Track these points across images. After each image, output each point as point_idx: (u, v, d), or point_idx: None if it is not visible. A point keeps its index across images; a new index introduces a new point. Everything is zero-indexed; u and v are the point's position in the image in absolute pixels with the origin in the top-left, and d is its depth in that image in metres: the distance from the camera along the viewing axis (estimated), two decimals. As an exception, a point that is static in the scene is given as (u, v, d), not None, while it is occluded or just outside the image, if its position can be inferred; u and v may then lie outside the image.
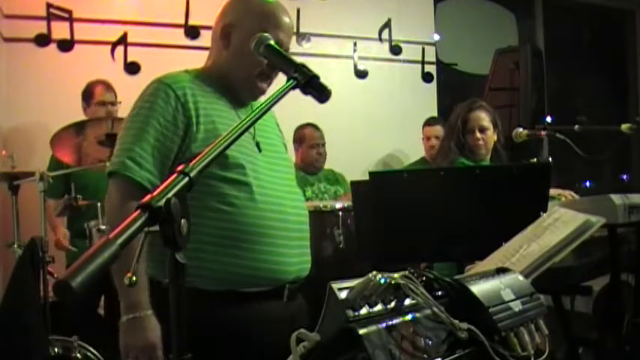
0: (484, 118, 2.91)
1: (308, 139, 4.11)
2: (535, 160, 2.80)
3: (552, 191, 2.66)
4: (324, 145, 4.14)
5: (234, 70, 1.66)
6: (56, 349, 2.50)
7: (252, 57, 1.54)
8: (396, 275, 0.94)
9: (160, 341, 1.46)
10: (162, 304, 1.50)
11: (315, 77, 1.24)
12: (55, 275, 2.66)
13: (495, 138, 2.95)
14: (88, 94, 3.44)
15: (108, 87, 3.45)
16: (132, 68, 4.01)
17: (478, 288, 1.04)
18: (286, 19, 1.66)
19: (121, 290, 1.48)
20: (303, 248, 1.67)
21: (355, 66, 4.71)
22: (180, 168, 0.93)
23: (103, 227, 2.76)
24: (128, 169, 1.51)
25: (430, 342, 0.92)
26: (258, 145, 1.66)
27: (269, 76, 1.66)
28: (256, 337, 1.52)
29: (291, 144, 4.23)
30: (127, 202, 1.50)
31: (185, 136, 1.55)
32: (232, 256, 1.52)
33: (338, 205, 3.27)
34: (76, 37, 3.90)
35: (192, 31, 4.15)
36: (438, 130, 4.32)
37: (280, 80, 1.26)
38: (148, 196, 0.86)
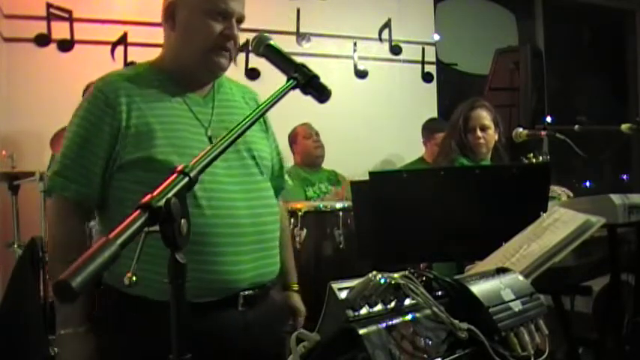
0: (485, 117, 2.92)
1: (300, 132, 4.14)
2: (532, 154, 2.79)
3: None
4: (317, 134, 4.15)
5: (185, 49, 1.54)
6: (56, 349, 2.50)
7: (201, 31, 1.49)
8: (396, 275, 0.94)
9: (93, 356, 1.44)
10: (116, 313, 1.46)
11: (315, 77, 1.24)
12: (55, 275, 2.66)
13: (497, 138, 2.96)
14: (83, 96, 3.45)
15: None
16: (132, 68, 4.02)
17: (478, 288, 1.04)
18: None
19: (56, 304, 1.49)
20: (263, 252, 1.55)
21: (355, 66, 4.71)
22: (180, 168, 0.93)
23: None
24: (57, 186, 1.49)
25: (430, 342, 0.92)
26: (210, 139, 1.52)
27: (223, 48, 1.53)
28: (206, 347, 1.39)
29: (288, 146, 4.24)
30: (62, 219, 1.50)
31: (115, 143, 1.47)
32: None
33: (338, 205, 3.27)
34: (76, 37, 3.90)
35: (192, 31, 4.15)
36: None
37: (280, 80, 1.26)
38: (148, 196, 0.86)
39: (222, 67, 1.57)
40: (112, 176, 1.49)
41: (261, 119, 1.69)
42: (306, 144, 4.12)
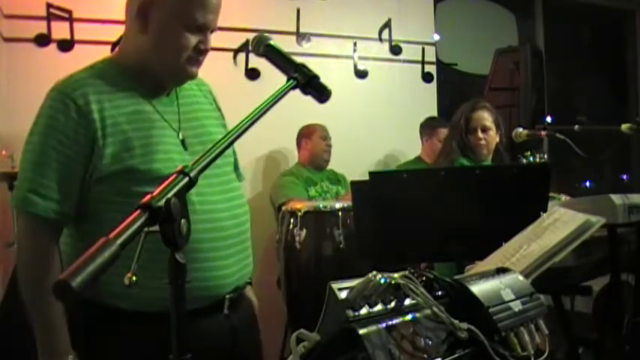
0: (487, 118, 2.93)
1: (319, 131, 4.12)
2: (529, 152, 2.80)
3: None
4: (330, 139, 4.15)
5: (157, 56, 1.46)
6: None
7: (176, 42, 1.43)
8: (396, 275, 0.94)
9: None
10: (95, 331, 1.39)
11: (315, 77, 1.24)
12: (55, 275, 2.66)
13: (498, 139, 2.97)
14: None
15: None
16: (132, 68, 4.01)
17: (478, 288, 1.04)
18: None
19: (38, 331, 1.38)
20: (243, 253, 1.53)
21: (355, 66, 4.71)
22: (179, 168, 0.93)
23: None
24: (31, 205, 1.39)
25: (430, 342, 0.92)
26: (183, 142, 1.49)
27: (198, 60, 1.49)
28: (196, 355, 1.39)
29: (291, 143, 4.24)
30: (35, 239, 1.42)
31: (92, 154, 1.39)
32: (160, 278, 1.40)
33: (338, 205, 3.27)
34: (76, 37, 3.90)
35: (192, 31, 4.15)
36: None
37: (280, 80, 1.26)
38: (148, 196, 0.86)
39: (193, 76, 1.53)
40: (90, 188, 1.42)
41: (217, 112, 1.67)
42: (320, 145, 4.11)
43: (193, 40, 1.45)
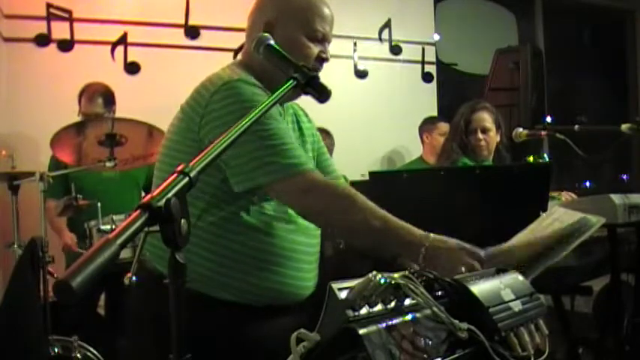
0: (487, 119, 2.93)
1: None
2: (532, 157, 2.80)
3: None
4: (331, 152, 4.13)
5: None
6: (56, 349, 2.50)
7: (302, 53, 1.55)
8: (396, 275, 0.94)
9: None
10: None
11: (315, 77, 1.24)
12: (55, 275, 2.66)
13: (498, 139, 2.97)
14: (78, 100, 3.42)
15: (92, 97, 3.36)
16: (132, 68, 4.00)
17: (478, 288, 1.04)
18: (327, 10, 1.66)
19: (396, 238, 1.47)
20: (317, 263, 1.66)
21: (355, 66, 4.71)
22: (180, 168, 0.93)
23: (103, 227, 2.76)
24: (305, 161, 1.47)
25: (430, 342, 0.92)
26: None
27: (318, 69, 1.61)
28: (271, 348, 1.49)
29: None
30: (321, 184, 1.49)
31: None
32: (260, 278, 1.50)
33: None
34: (76, 37, 3.91)
35: (192, 31, 4.14)
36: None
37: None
38: (148, 196, 0.85)
39: None
40: None
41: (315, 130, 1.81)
42: None
43: (316, 49, 1.62)
